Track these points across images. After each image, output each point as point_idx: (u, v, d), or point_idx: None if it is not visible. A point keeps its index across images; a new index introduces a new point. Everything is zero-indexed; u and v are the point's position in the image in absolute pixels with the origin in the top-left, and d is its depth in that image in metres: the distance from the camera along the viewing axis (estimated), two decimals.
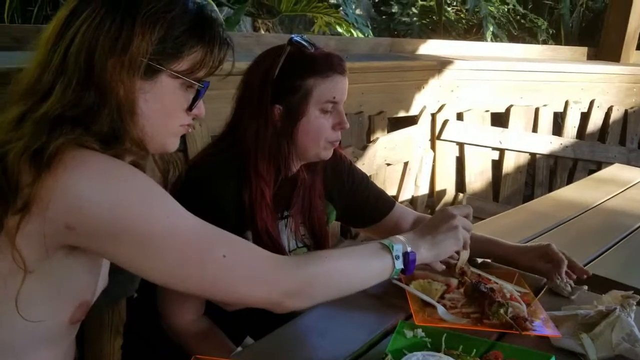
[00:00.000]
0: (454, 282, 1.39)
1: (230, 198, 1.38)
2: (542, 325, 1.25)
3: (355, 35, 4.82)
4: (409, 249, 1.14)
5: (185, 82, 0.98)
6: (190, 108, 1.01)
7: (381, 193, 1.73)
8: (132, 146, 0.96)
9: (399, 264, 1.12)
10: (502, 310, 1.23)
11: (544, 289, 1.44)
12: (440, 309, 1.28)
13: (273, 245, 1.43)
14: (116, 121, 0.92)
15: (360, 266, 1.11)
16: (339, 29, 4.79)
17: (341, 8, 5.18)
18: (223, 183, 1.39)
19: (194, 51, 0.96)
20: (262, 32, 5.40)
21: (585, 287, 1.46)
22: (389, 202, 1.71)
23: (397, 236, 1.17)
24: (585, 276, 1.48)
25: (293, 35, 1.42)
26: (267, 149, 1.40)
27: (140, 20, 0.92)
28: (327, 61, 1.41)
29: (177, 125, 1.02)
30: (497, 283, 1.38)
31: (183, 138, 2.25)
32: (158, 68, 0.94)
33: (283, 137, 1.40)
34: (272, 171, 1.42)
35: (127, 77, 0.92)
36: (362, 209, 1.69)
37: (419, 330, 1.18)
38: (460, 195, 3.61)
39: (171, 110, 0.99)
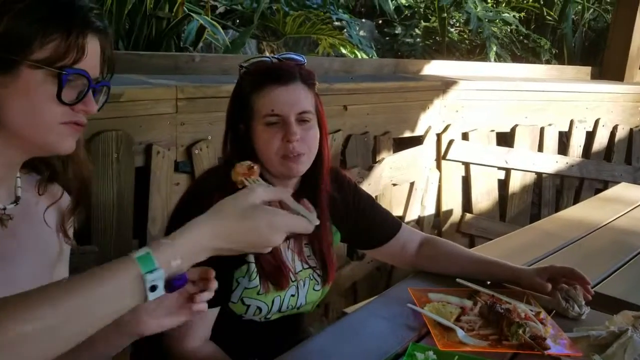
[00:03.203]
0: (468, 303, 1.39)
1: None
2: (563, 346, 1.24)
3: (359, 56, 4.85)
4: (176, 268, 0.84)
5: (51, 73, 0.93)
6: (60, 99, 0.94)
7: (387, 215, 1.72)
8: (16, 144, 0.95)
9: (158, 293, 0.83)
10: (521, 331, 1.22)
11: (553, 312, 1.43)
12: (460, 332, 1.28)
13: (276, 264, 1.42)
14: None
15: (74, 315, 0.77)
16: (343, 50, 4.82)
17: (345, 30, 5.23)
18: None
19: (52, 39, 0.93)
20: (267, 53, 5.44)
21: (588, 309, 1.45)
22: (395, 225, 1.70)
23: (167, 248, 0.84)
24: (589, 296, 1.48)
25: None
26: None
27: None
28: (260, 74, 1.40)
29: (56, 122, 0.96)
30: (509, 303, 1.38)
31: (190, 159, 2.28)
32: (11, 59, 0.91)
33: (248, 155, 1.38)
34: None
35: None
36: (368, 231, 1.68)
37: (430, 353, 1.17)
38: (467, 215, 3.60)
39: (38, 103, 0.94)
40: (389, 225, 1.69)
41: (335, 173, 1.61)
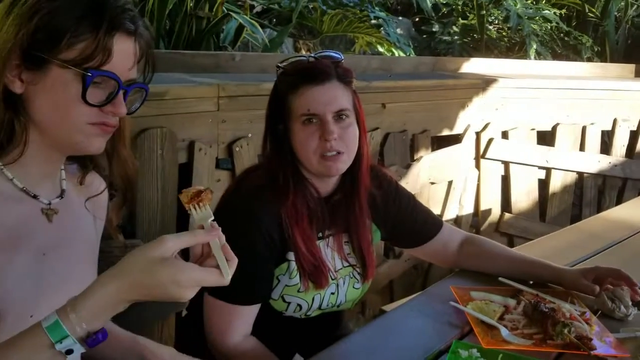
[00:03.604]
0: (511, 302, 1.38)
1: (268, 223, 1.39)
2: (609, 345, 1.23)
3: (396, 54, 4.83)
4: (84, 332, 0.82)
5: (78, 73, 0.93)
6: (85, 100, 0.94)
7: (428, 214, 1.71)
8: (49, 143, 0.97)
9: (76, 354, 0.84)
10: (566, 330, 1.21)
11: (598, 313, 1.41)
12: (504, 331, 1.27)
13: (316, 263, 1.43)
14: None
15: None
16: (380, 49, 4.81)
17: (382, 28, 5.21)
18: (260, 207, 1.40)
19: (81, 39, 0.93)
20: (303, 52, 5.47)
21: (635, 309, 1.42)
22: (437, 224, 1.69)
23: (71, 314, 0.82)
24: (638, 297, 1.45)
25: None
26: (281, 167, 1.42)
27: (22, 7, 0.92)
28: (296, 74, 1.41)
29: (83, 122, 0.96)
30: (554, 302, 1.37)
31: (230, 156, 2.32)
32: (41, 57, 0.92)
33: (286, 154, 1.42)
34: (295, 190, 1.42)
35: (2, 63, 0.91)
36: (409, 230, 1.66)
37: (474, 350, 1.17)
38: (506, 214, 3.55)
39: (64, 103, 0.95)
40: (430, 224, 1.68)
41: (377, 171, 1.61)
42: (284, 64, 1.43)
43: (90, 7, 0.94)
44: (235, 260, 0.88)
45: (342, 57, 1.44)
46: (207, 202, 0.90)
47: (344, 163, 1.42)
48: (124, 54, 0.96)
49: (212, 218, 0.89)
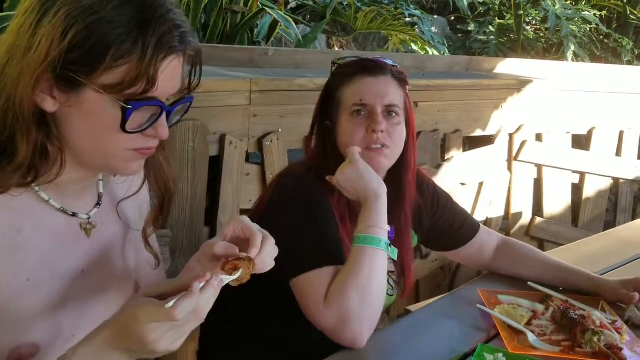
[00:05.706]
0: (540, 308, 1.35)
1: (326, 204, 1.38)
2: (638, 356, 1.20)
3: (430, 53, 4.79)
4: None
5: (117, 101, 0.82)
6: (124, 129, 0.83)
7: (466, 217, 1.67)
8: (82, 165, 0.90)
9: None
10: (595, 339, 1.19)
11: (629, 323, 1.38)
12: (531, 336, 1.25)
13: None
14: (12, 135, 0.83)
15: None
16: (414, 47, 4.77)
17: (417, 26, 5.17)
18: (315, 190, 1.38)
19: (123, 62, 0.80)
20: (336, 49, 5.46)
21: None
22: (474, 226, 1.64)
23: None
24: None
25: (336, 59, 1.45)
26: (322, 163, 1.40)
27: (53, 19, 0.79)
28: (352, 65, 1.41)
29: (121, 149, 0.87)
30: (583, 309, 1.34)
31: (260, 151, 2.33)
32: (75, 79, 0.80)
33: (331, 153, 1.40)
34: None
35: (32, 85, 0.80)
36: (445, 233, 1.63)
37: (500, 355, 1.16)
38: (538, 219, 3.49)
39: (102, 130, 0.85)
40: (467, 227, 1.64)
41: (416, 173, 1.58)
42: (340, 60, 1.45)
43: (134, 21, 0.80)
44: (195, 296, 0.78)
45: (398, 65, 1.45)
46: (244, 268, 0.84)
47: (388, 158, 1.38)
48: (169, 76, 0.85)
49: (230, 280, 0.84)
